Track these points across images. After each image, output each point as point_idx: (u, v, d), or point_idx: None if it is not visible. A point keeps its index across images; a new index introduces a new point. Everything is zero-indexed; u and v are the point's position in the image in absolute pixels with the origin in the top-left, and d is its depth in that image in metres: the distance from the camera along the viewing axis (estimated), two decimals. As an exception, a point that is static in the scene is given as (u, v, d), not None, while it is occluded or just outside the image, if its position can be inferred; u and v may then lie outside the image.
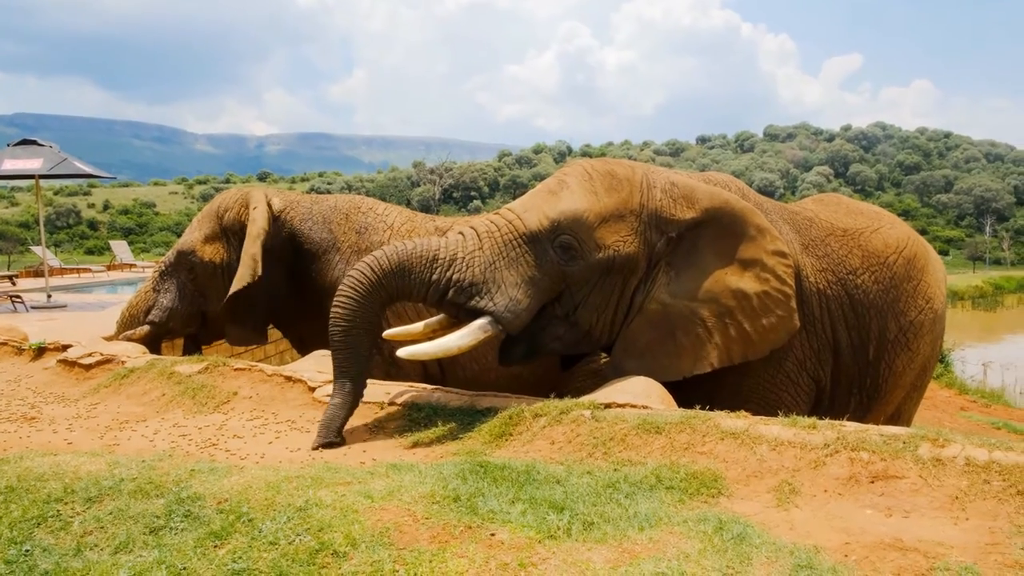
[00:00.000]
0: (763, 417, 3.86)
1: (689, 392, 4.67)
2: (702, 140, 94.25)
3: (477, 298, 4.55)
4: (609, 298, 4.80)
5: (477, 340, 4.51)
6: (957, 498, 3.07)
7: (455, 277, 4.55)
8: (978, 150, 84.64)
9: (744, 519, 2.94)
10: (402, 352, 4.54)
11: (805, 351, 5.23)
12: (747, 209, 4.97)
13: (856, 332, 5.38)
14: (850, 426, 3.62)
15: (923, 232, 63.26)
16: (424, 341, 4.67)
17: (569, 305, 4.76)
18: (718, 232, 4.89)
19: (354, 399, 4.46)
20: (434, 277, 4.54)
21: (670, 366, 4.79)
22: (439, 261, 4.56)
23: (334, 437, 4.30)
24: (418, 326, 4.79)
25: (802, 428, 3.61)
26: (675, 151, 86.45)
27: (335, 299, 4.47)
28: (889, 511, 3.05)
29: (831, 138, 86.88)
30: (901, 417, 5.92)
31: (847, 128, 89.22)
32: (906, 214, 68.14)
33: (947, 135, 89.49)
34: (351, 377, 4.45)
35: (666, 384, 4.69)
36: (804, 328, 5.16)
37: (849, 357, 5.38)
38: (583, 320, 4.80)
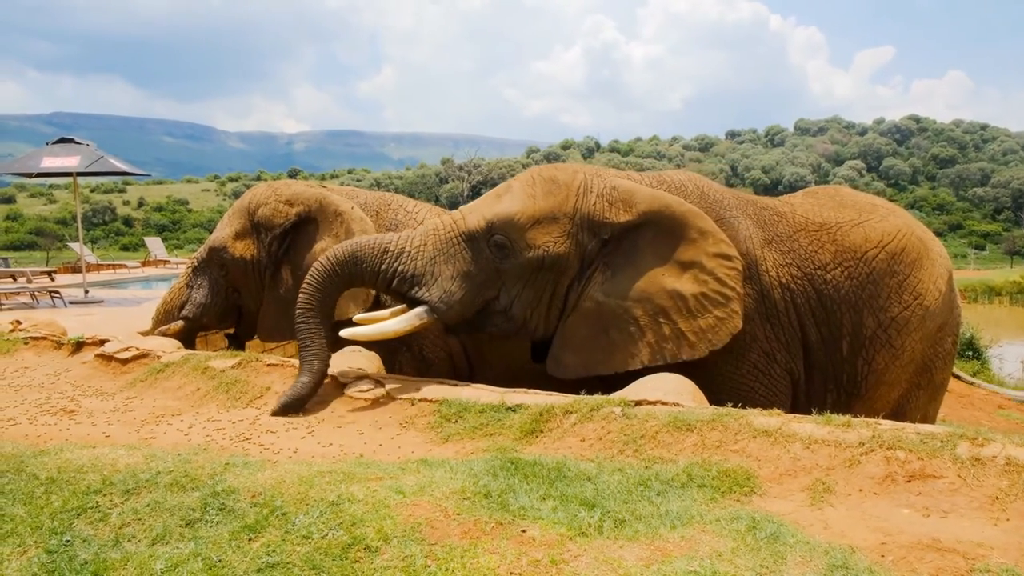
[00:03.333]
0: (796, 415, 3.83)
1: None
2: (731, 135, 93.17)
3: (416, 288, 5.07)
4: (541, 294, 5.10)
5: (412, 326, 5.04)
6: (997, 498, 3.01)
7: (400, 268, 5.08)
8: (1016, 142, 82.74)
9: (778, 518, 2.92)
10: (344, 332, 5.11)
11: (772, 344, 5.27)
12: (689, 212, 5.10)
13: (826, 327, 5.36)
14: (886, 424, 3.57)
15: (958, 227, 62.29)
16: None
17: (506, 299, 5.12)
18: (658, 234, 5.07)
19: (320, 376, 4.97)
20: (382, 267, 5.09)
21: (603, 361, 5.02)
22: (388, 253, 5.11)
23: (297, 409, 4.81)
24: (384, 312, 5.26)
25: (836, 426, 3.57)
26: (704, 146, 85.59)
27: (302, 287, 5.10)
28: (927, 511, 3.01)
29: (863, 132, 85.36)
30: (907, 416, 5.74)
31: (880, 121, 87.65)
32: (941, 208, 66.88)
33: (983, 127, 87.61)
34: (317, 355, 4.95)
35: (634, 376, 4.86)
36: (769, 321, 5.24)
37: (821, 352, 5.39)
38: (518, 313, 5.13)
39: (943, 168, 74.73)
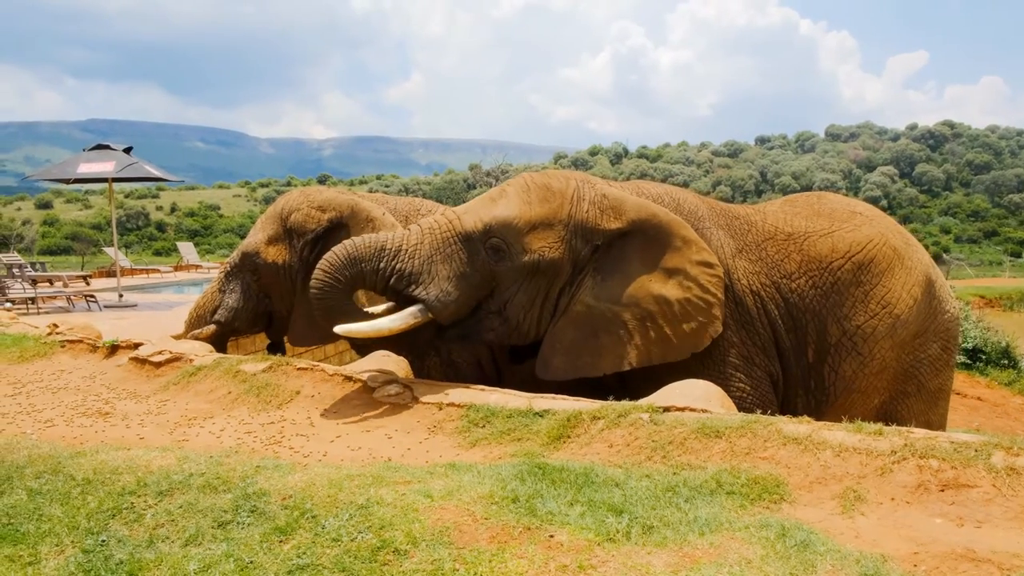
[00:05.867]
0: (826, 423, 3.80)
1: (637, 383, 4.93)
2: (761, 141, 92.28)
3: (413, 287, 5.09)
4: (535, 298, 5.20)
5: (407, 324, 5.05)
6: (1033, 509, 2.96)
7: (397, 267, 5.10)
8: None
9: (808, 526, 2.89)
10: (338, 329, 5.08)
11: (750, 348, 5.38)
12: (674, 221, 5.24)
13: (793, 334, 5.47)
14: (918, 433, 3.53)
15: (993, 234, 61.14)
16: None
17: (500, 302, 5.21)
18: (645, 242, 5.20)
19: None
20: (380, 266, 5.10)
21: (592, 363, 5.14)
22: (386, 251, 5.12)
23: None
24: (377, 309, 5.34)
25: (868, 434, 3.54)
26: (733, 152, 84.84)
27: (311, 292, 5.13)
28: (960, 520, 2.97)
29: (896, 137, 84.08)
30: (904, 424, 5.66)
31: (913, 127, 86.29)
32: (976, 215, 65.76)
33: (1019, 133, 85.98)
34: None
35: (611, 379, 5.13)
36: (744, 327, 5.37)
37: (792, 358, 5.50)
38: (511, 316, 5.21)
39: (978, 174, 73.46)
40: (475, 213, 5.25)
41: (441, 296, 5.07)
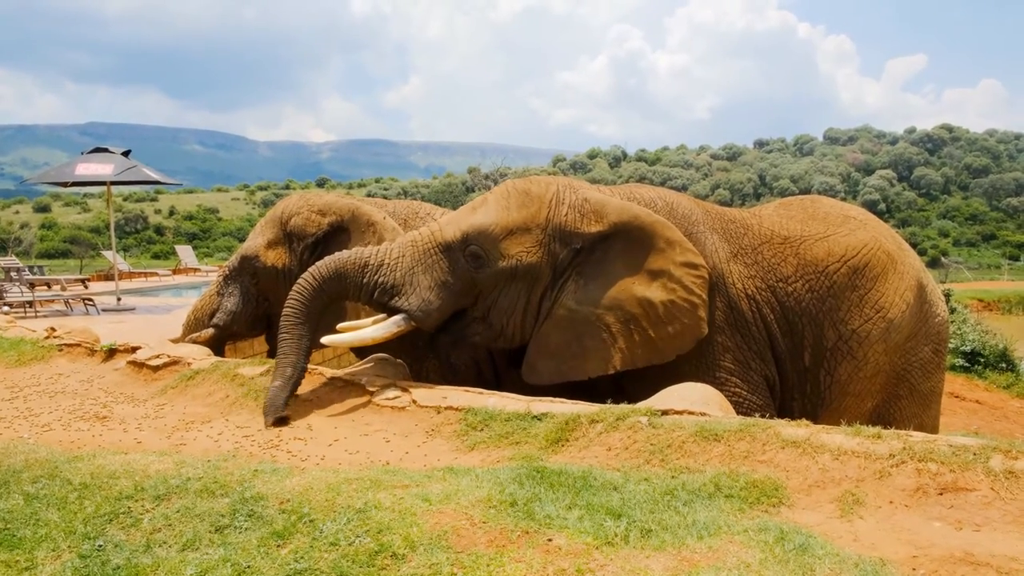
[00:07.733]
0: (825, 426, 3.80)
1: (633, 387, 4.97)
2: (760, 144, 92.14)
3: (396, 298, 5.22)
4: (516, 302, 5.27)
5: (390, 333, 5.20)
6: (1031, 512, 2.96)
7: (380, 280, 5.24)
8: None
9: (806, 529, 2.89)
10: (325, 339, 5.24)
11: (745, 352, 5.40)
12: (658, 223, 5.25)
13: (789, 338, 5.48)
14: (917, 436, 3.52)
15: (991, 237, 61.24)
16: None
17: (483, 308, 5.31)
18: (628, 244, 5.22)
19: (295, 381, 5.07)
20: (364, 280, 5.24)
21: (577, 366, 5.19)
22: (369, 266, 5.26)
23: (281, 413, 4.87)
24: (367, 321, 5.45)
25: (866, 437, 3.53)
26: (732, 155, 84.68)
27: (287, 301, 5.23)
28: (959, 524, 2.96)
29: (894, 141, 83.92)
30: (898, 426, 5.69)
31: (911, 130, 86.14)
32: (974, 218, 65.81)
33: (1018, 136, 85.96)
34: (292, 363, 5.07)
35: (607, 382, 5.18)
36: (739, 332, 5.38)
37: (788, 362, 5.52)
38: (495, 321, 5.31)
39: (976, 178, 73.50)
40: (455, 223, 5.34)
41: (423, 305, 5.19)
